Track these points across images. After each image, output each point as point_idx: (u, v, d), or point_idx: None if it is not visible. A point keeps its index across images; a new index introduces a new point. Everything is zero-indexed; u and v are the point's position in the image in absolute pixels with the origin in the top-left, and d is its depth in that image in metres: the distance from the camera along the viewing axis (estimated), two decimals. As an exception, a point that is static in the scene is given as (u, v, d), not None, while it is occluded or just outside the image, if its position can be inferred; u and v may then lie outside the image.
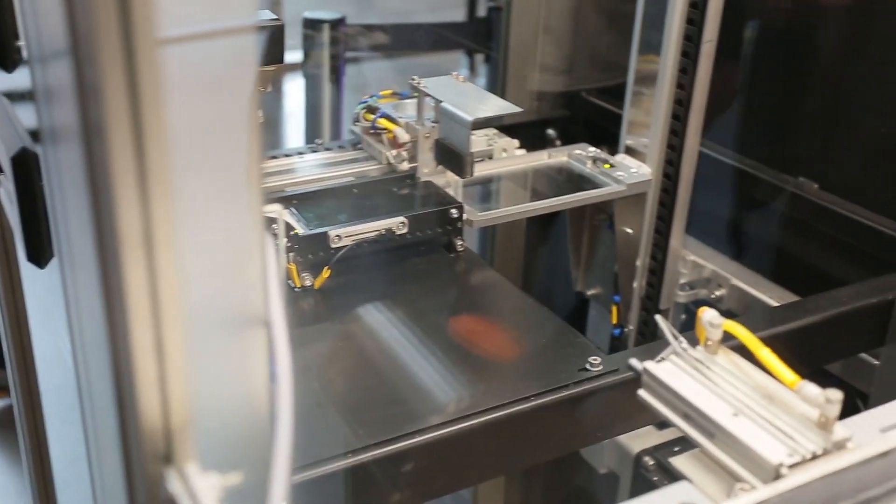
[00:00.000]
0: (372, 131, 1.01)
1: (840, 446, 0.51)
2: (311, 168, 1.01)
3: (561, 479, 1.31)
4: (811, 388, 0.53)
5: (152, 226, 0.37)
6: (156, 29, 0.35)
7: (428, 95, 0.96)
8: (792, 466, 0.50)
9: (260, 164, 0.43)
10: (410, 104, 1.01)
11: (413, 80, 0.98)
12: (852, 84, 1.03)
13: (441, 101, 0.94)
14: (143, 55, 0.35)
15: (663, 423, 0.77)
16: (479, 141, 1.06)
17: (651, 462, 0.98)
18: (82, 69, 0.36)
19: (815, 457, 0.51)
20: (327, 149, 1.06)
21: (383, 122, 0.99)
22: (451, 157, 0.94)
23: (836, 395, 0.51)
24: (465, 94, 0.96)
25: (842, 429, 0.52)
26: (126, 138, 0.36)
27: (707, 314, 0.59)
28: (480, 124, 0.99)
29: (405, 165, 0.99)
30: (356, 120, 1.03)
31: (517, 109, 0.95)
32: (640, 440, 1.07)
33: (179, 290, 0.39)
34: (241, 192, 0.42)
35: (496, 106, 0.95)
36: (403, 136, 0.98)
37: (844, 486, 0.49)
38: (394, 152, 0.98)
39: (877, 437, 0.55)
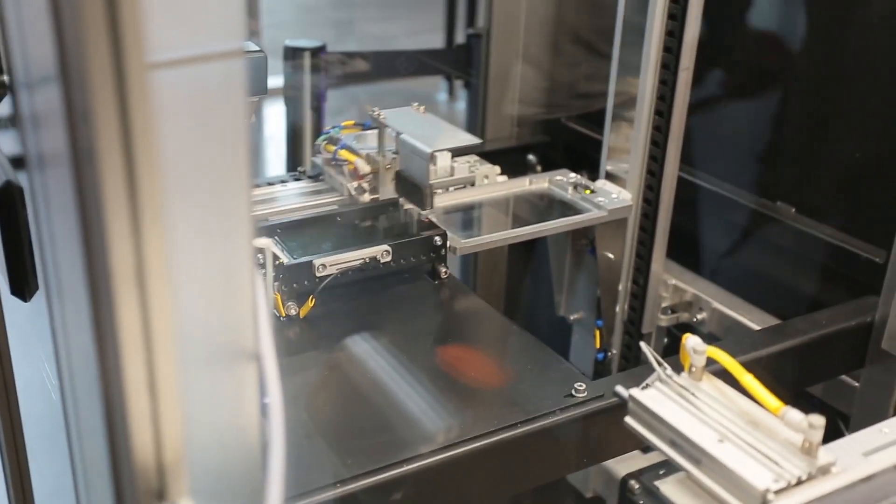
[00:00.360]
0: (333, 163, 0.99)
1: (825, 471, 0.52)
2: (294, 197, 1.01)
3: (547, 503, 1.31)
4: (794, 414, 0.53)
5: (145, 258, 0.37)
6: (146, 54, 0.36)
7: (387, 127, 0.95)
8: (778, 492, 0.51)
9: (250, 196, 0.43)
10: (372, 135, 1.00)
11: (373, 111, 0.97)
12: (828, 110, 1.05)
13: (400, 133, 0.94)
14: (133, 80, 0.35)
15: (648, 447, 0.78)
16: (461, 168, 1.07)
17: (637, 486, 0.99)
18: (72, 95, 0.36)
19: (800, 482, 0.51)
20: (310, 177, 1.06)
21: (344, 154, 0.98)
22: (412, 188, 0.93)
23: (819, 420, 0.52)
24: (424, 125, 0.96)
25: (826, 453, 0.53)
26: (117, 165, 0.36)
27: (690, 341, 0.59)
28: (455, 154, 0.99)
29: (366, 197, 0.97)
30: (317, 151, 1.01)
31: (476, 141, 0.95)
32: (625, 464, 1.08)
33: (172, 324, 0.39)
34: (231, 225, 0.42)
35: (455, 137, 0.94)
36: (364, 168, 0.96)
37: (830, 511, 0.50)
38: (355, 184, 0.97)
39: (860, 461, 0.56)
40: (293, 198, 1.01)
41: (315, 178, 1.04)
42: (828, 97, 1.05)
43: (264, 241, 0.48)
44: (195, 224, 0.41)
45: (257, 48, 0.84)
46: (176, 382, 0.39)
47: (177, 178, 0.39)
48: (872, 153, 1.00)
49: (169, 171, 0.38)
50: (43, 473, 1.02)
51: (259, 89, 0.82)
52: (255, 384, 0.45)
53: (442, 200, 1.02)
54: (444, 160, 1.07)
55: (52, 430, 0.59)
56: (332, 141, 1.00)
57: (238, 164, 0.41)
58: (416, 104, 1.02)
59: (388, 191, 0.98)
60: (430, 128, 0.96)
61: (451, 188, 1.06)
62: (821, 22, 1.06)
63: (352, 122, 1.04)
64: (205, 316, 0.42)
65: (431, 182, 0.93)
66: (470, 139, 0.95)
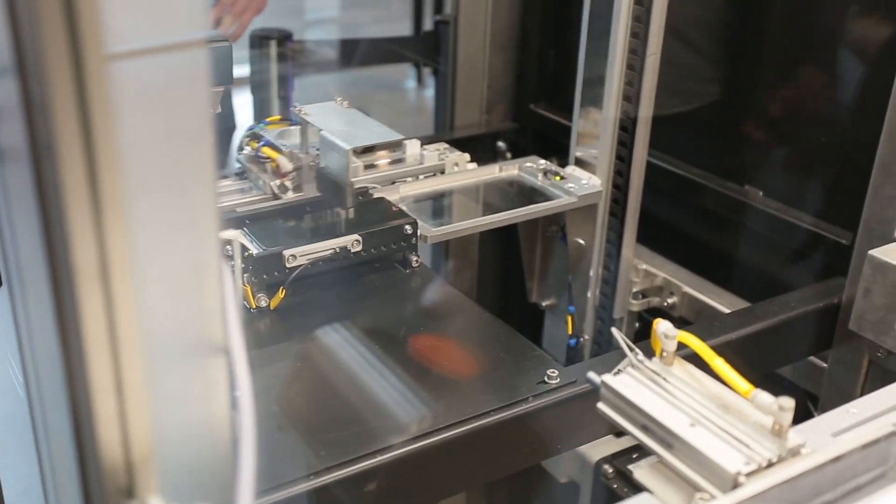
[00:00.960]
0: (257, 160, 0.97)
1: (794, 453, 0.53)
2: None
3: (522, 490, 1.32)
4: (764, 397, 0.54)
5: (108, 253, 0.37)
6: (105, 45, 0.35)
7: (309, 123, 0.93)
8: (749, 474, 0.51)
9: (216, 188, 0.42)
10: (298, 131, 0.98)
11: (295, 106, 0.95)
12: (795, 94, 1.06)
13: (321, 130, 0.92)
14: (92, 72, 0.35)
15: (621, 432, 0.78)
16: (431, 156, 1.06)
17: (610, 470, 1.00)
18: (29, 87, 0.35)
19: (770, 464, 0.52)
20: (236, 174, 1.02)
21: (266, 151, 0.95)
22: (333, 186, 0.91)
23: (789, 402, 0.52)
24: (348, 121, 0.94)
25: (795, 435, 0.53)
26: (77, 158, 0.35)
27: (661, 326, 0.59)
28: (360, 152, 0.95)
29: (290, 195, 0.95)
30: (240, 148, 0.98)
31: (399, 137, 0.93)
32: (598, 448, 1.08)
33: (138, 320, 0.39)
34: (197, 218, 0.42)
35: (377, 133, 0.93)
36: (286, 166, 0.94)
37: (801, 492, 0.50)
38: (277, 182, 0.94)
39: (829, 441, 0.57)
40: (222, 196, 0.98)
41: (241, 175, 1.00)
42: (795, 81, 1.06)
43: (232, 233, 0.48)
44: (159, 217, 0.40)
45: (222, 37, 0.83)
46: (143, 379, 0.39)
47: (139, 171, 0.39)
48: (838, 137, 1.00)
49: (131, 163, 0.38)
50: (14, 472, 1.01)
51: (224, 79, 0.81)
52: (225, 378, 0.44)
53: (412, 189, 1.02)
54: (413, 148, 1.06)
55: (21, 428, 0.58)
56: (256, 137, 0.97)
57: (202, 155, 0.41)
58: (339, 99, 0.99)
59: (311, 189, 0.95)
60: (352, 124, 0.94)
61: (420, 176, 1.05)
62: (790, 4, 1.06)
63: (277, 117, 1.01)
64: (172, 310, 0.41)
65: (353, 179, 0.91)
66: (392, 135, 0.93)
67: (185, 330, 0.42)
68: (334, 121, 0.94)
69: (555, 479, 1.13)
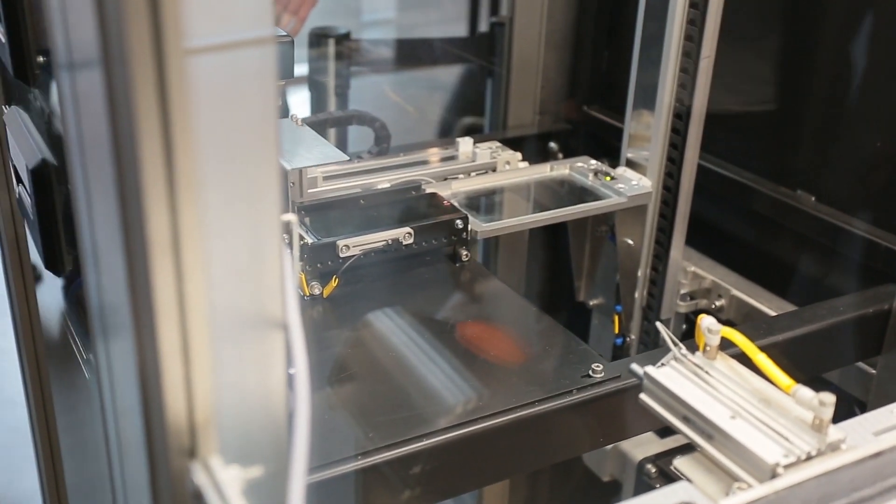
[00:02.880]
0: None
1: (834, 447, 0.53)
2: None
3: (565, 487, 1.33)
4: (805, 392, 0.55)
5: (180, 232, 0.39)
6: (184, 40, 0.37)
7: None
8: (787, 466, 0.52)
9: (279, 172, 0.45)
10: None
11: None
12: (849, 98, 1.05)
13: None
14: (172, 64, 0.37)
15: (665, 431, 0.79)
16: (483, 154, 1.08)
17: (653, 469, 1.00)
18: (113, 78, 0.38)
19: (809, 457, 0.53)
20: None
21: None
22: None
23: (830, 398, 0.53)
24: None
25: (836, 431, 0.54)
26: (156, 146, 0.38)
27: (706, 321, 0.61)
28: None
29: None
30: None
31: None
32: (642, 448, 1.09)
33: (204, 293, 0.41)
34: (261, 200, 0.44)
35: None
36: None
37: (838, 486, 0.51)
38: None
39: (870, 439, 0.57)
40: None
41: None
42: (849, 85, 1.05)
43: (289, 216, 0.50)
44: (227, 199, 0.43)
45: (284, 34, 0.86)
46: (208, 347, 0.41)
47: (210, 156, 0.41)
48: (892, 142, 1.00)
49: (203, 149, 0.40)
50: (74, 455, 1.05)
51: (286, 73, 0.84)
52: (282, 352, 0.47)
53: (463, 185, 1.04)
54: (465, 146, 1.09)
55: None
56: None
57: (268, 142, 0.43)
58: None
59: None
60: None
61: (472, 173, 1.08)
62: (842, 8, 1.06)
63: None
64: (235, 286, 0.44)
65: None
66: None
67: (246, 304, 0.45)
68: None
69: (598, 477, 1.14)
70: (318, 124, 1.03)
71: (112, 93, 0.39)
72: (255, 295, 0.45)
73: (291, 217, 0.51)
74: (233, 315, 0.44)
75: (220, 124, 0.41)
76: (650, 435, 1.09)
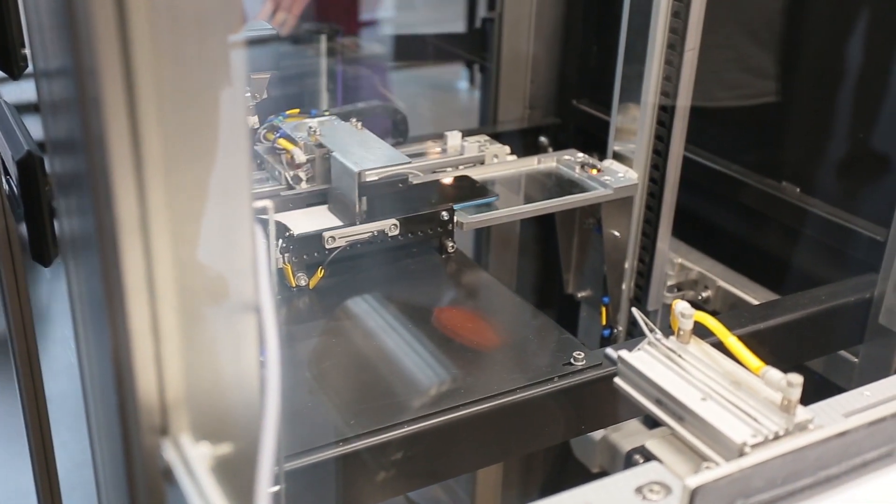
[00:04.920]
0: (274, 151, 0.99)
1: (802, 427, 0.54)
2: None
3: (554, 478, 1.34)
4: (774, 373, 0.55)
5: (148, 213, 0.40)
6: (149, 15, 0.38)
7: (322, 146, 0.96)
8: (755, 446, 0.53)
9: (249, 159, 0.46)
10: (312, 124, 0.99)
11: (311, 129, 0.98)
12: (833, 91, 1.06)
13: (332, 151, 0.95)
14: (139, 45, 0.38)
15: (654, 422, 0.80)
16: (471, 147, 1.09)
17: (641, 460, 1.01)
18: (79, 50, 0.39)
19: (777, 437, 0.53)
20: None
21: (282, 143, 0.97)
22: (342, 206, 0.94)
23: (797, 378, 0.54)
24: (359, 143, 0.96)
25: (803, 411, 0.55)
26: (123, 127, 0.39)
27: (679, 305, 0.61)
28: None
29: (303, 185, 0.97)
30: (258, 140, 1.01)
31: (406, 160, 0.94)
32: (630, 439, 1.10)
33: (174, 274, 0.42)
34: (232, 185, 0.45)
35: (384, 156, 0.94)
36: (300, 157, 0.96)
37: (804, 465, 0.52)
38: (291, 173, 0.97)
39: (839, 420, 0.58)
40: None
41: (258, 166, 1.02)
42: (833, 78, 1.06)
43: (266, 202, 0.51)
44: (197, 182, 0.44)
45: (269, 27, 0.87)
46: (178, 327, 0.42)
47: (179, 139, 0.42)
48: (875, 134, 1.01)
49: (172, 132, 0.41)
50: (67, 447, 1.06)
51: (271, 66, 0.85)
52: (255, 333, 0.48)
53: (451, 178, 1.05)
54: (454, 139, 1.10)
55: (75, 407, 0.62)
56: (273, 129, 1.00)
57: (237, 127, 0.44)
58: (353, 120, 1.02)
59: (325, 179, 0.97)
60: (363, 146, 0.96)
61: (460, 167, 1.08)
62: (827, 4, 1.07)
63: (296, 110, 1.03)
64: (206, 268, 0.45)
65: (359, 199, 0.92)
66: (400, 158, 0.94)
67: (217, 287, 0.45)
68: (345, 141, 0.97)
69: (586, 468, 1.15)
70: (343, 116, 1.05)
71: (79, 64, 0.40)
72: (227, 277, 0.46)
73: (267, 203, 0.52)
74: (204, 297, 0.45)
75: (189, 107, 0.42)
76: (639, 426, 1.10)
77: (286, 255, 0.87)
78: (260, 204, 0.52)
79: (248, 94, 0.90)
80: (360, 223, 0.92)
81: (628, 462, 1.10)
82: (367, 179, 0.92)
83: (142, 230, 0.41)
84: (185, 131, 0.42)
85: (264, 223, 0.51)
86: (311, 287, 0.89)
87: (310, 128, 0.97)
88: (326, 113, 1.04)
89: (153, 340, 0.42)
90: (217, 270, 0.45)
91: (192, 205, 0.43)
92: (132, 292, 0.41)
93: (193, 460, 0.41)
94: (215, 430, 0.45)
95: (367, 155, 0.94)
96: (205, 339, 0.45)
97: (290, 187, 0.97)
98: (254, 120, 0.89)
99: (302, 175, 0.97)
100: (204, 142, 0.42)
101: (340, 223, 0.91)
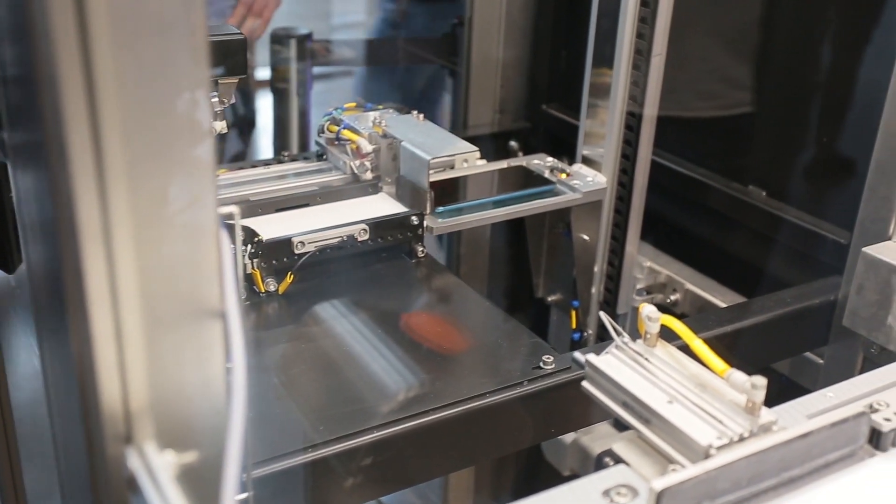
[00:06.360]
0: (336, 142, 1.04)
1: (766, 429, 0.55)
2: (277, 179, 1.04)
3: (526, 481, 1.34)
4: (739, 376, 0.56)
5: (110, 219, 0.40)
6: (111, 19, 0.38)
7: (390, 137, 1.02)
8: (720, 448, 0.53)
9: (215, 164, 0.46)
10: (370, 117, 1.06)
11: (376, 120, 1.04)
12: (798, 97, 1.08)
13: (402, 141, 1.00)
14: (98, 42, 0.38)
15: (623, 426, 0.80)
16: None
17: (612, 462, 1.02)
18: (38, 57, 0.39)
19: (742, 439, 0.54)
20: (293, 160, 1.09)
21: (347, 134, 1.03)
22: (412, 193, 0.98)
23: (761, 381, 0.54)
24: (425, 134, 1.03)
25: (767, 413, 0.55)
26: (84, 131, 0.38)
27: (646, 309, 0.62)
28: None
29: (368, 175, 1.02)
30: (321, 132, 1.07)
31: (473, 149, 1.02)
32: (601, 442, 1.11)
33: (138, 281, 0.42)
34: (196, 191, 0.45)
35: (452, 145, 1.02)
36: (366, 147, 1.01)
37: (768, 466, 0.52)
38: (357, 162, 1.02)
39: (802, 421, 0.59)
40: (277, 180, 1.04)
41: (320, 157, 1.09)
42: (798, 84, 1.07)
43: (231, 208, 0.51)
44: (160, 188, 0.43)
45: (237, 31, 0.87)
46: (141, 334, 0.42)
47: (142, 146, 0.42)
48: (838, 139, 1.02)
49: (135, 138, 0.41)
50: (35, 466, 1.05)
51: (238, 70, 0.85)
52: (221, 340, 0.47)
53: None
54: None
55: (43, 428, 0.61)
56: (335, 121, 1.05)
57: (201, 131, 0.44)
58: (415, 112, 1.09)
59: (388, 169, 1.03)
60: (428, 135, 1.03)
61: (430, 171, 1.08)
62: (792, 11, 1.08)
63: (353, 104, 1.09)
64: (171, 275, 0.44)
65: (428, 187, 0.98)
66: (467, 147, 1.02)
67: (182, 294, 0.45)
68: (411, 132, 1.03)
69: (558, 471, 1.15)
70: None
71: (38, 74, 0.39)
72: (192, 284, 0.46)
73: (233, 209, 0.51)
74: (169, 304, 0.45)
75: (152, 112, 0.42)
76: (609, 429, 1.11)
77: (255, 260, 0.87)
78: (226, 210, 0.51)
79: (217, 99, 0.90)
80: (419, 212, 0.96)
81: (598, 465, 1.11)
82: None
83: (104, 237, 0.40)
84: (148, 137, 0.41)
85: (231, 229, 0.51)
86: (280, 292, 0.88)
87: (374, 119, 1.03)
88: (380, 107, 1.10)
89: (116, 347, 0.42)
90: (182, 276, 0.45)
91: (155, 211, 0.43)
92: (94, 299, 0.41)
93: (158, 469, 0.40)
94: (181, 437, 0.44)
95: (434, 144, 1.00)
96: (170, 345, 0.45)
97: (355, 176, 1.02)
98: (222, 125, 0.89)
99: (368, 164, 1.02)
100: (168, 148, 0.42)
101: (309, 228, 0.90)
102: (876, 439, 0.57)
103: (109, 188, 0.40)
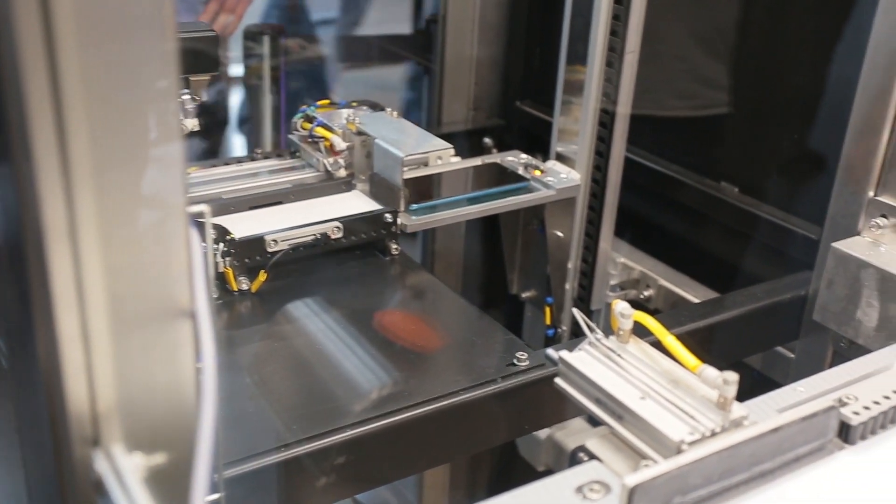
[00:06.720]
0: (309, 140, 1.04)
1: (737, 424, 0.55)
2: (250, 176, 1.04)
3: (501, 478, 1.34)
4: (710, 372, 0.56)
5: (76, 219, 0.39)
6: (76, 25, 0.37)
7: (364, 134, 1.01)
8: (692, 443, 0.53)
9: (184, 162, 0.45)
10: (344, 113, 1.05)
11: (350, 117, 1.03)
12: (769, 94, 1.08)
13: (375, 138, 0.99)
14: (63, 42, 0.37)
15: (597, 421, 0.81)
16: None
17: (586, 458, 1.03)
18: (2, 58, 0.38)
19: (713, 434, 0.54)
20: (266, 157, 1.08)
21: (320, 131, 1.02)
22: (386, 190, 0.98)
23: (733, 376, 0.55)
24: (398, 130, 1.02)
25: (739, 408, 0.56)
26: (49, 128, 0.38)
27: (619, 306, 0.62)
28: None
29: (342, 172, 1.01)
30: (294, 129, 1.06)
31: (447, 146, 1.01)
32: (575, 437, 1.11)
33: (105, 281, 0.41)
34: (165, 189, 0.44)
35: (427, 143, 1.01)
36: (340, 144, 1.01)
37: (739, 461, 0.52)
38: (331, 159, 1.01)
39: (772, 415, 0.59)
40: (250, 177, 1.03)
41: (293, 154, 1.08)
42: (769, 81, 1.08)
43: (202, 207, 0.50)
44: (130, 189, 0.43)
45: (208, 27, 0.86)
46: (109, 334, 0.41)
47: (109, 145, 0.41)
48: (808, 135, 1.03)
49: (101, 137, 0.40)
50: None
51: (209, 67, 0.84)
52: (191, 340, 0.47)
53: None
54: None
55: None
56: (308, 118, 1.04)
57: (170, 129, 0.43)
58: (389, 109, 1.09)
59: (362, 166, 1.02)
60: (402, 132, 1.02)
61: (404, 169, 1.08)
62: (762, 9, 1.09)
63: (327, 101, 1.09)
64: (139, 275, 0.44)
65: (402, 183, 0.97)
66: (441, 144, 1.01)
67: (151, 294, 0.45)
68: (385, 129, 1.02)
69: (532, 467, 1.15)
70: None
71: (3, 73, 0.38)
72: (161, 284, 0.45)
73: (204, 207, 0.51)
74: (137, 304, 0.44)
75: (119, 111, 0.41)
76: (584, 424, 1.11)
77: (227, 258, 0.86)
78: (196, 208, 0.51)
79: (188, 96, 0.89)
80: (393, 210, 0.95)
81: (573, 460, 1.11)
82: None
83: (70, 236, 0.40)
84: (115, 136, 0.41)
85: (201, 227, 0.51)
86: (253, 291, 0.88)
87: (347, 116, 1.03)
88: (354, 104, 1.09)
89: (83, 348, 0.41)
90: (151, 276, 0.45)
91: (123, 210, 0.42)
92: (60, 300, 0.40)
93: (126, 471, 0.40)
94: (150, 439, 0.44)
95: (408, 141, 0.99)
96: (138, 346, 0.44)
97: (329, 174, 1.01)
98: (193, 122, 0.88)
99: (341, 161, 1.01)
100: (135, 147, 0.42)
101: (282, 226, 0.90)
102: (845, 433, 0.57)
103: (76, 188, 0.39)
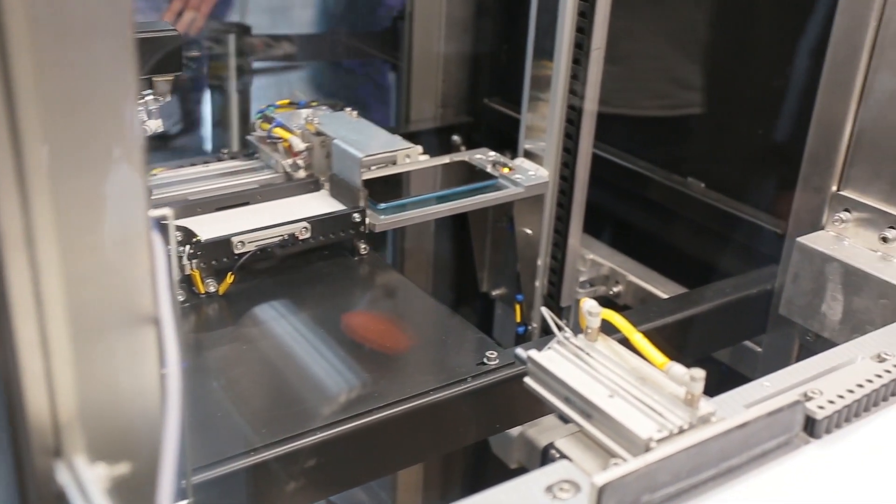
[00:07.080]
0: (268, 141, 1.03)
1: (705, 420, 0.56)
2: (216, 177, 1.03)
3: (474, 475, 1.34)
4: (678, 368, 0.57)
5: (33, 226, 0.39)
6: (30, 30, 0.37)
7: (323, 135, 1.00)
8: (660, 440, 0.54)
9: (144, 166, 0.44)
10: (305, 114, 1.04)
11: (309, 118, 1.02)
12: (735, 89, 1.09)
13: (334, 139, 0.98)
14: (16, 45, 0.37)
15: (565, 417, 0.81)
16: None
17: (557, 455, 1.03)
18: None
19: (681, 431, 0.55)
20: (233, 157, 1.07)
21: (279, 132, 1.01)
22: (345, 191, 0.97)
23: (700, 373, 0.55)
24: (357, 130, 1.02)
25: (706, 404, 0.56)
26: (2, 135, 0.37)
27: (587, 304, 0.62)
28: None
29: (301, 173, 1.00)
30: (253, 129, 1.05)
31: (408, 145, 1.01)
32: (547, 434, 1.11)
33: (64, 288, 0.41)
34: (126, 194, 0.44)
35: (385, 142, 1.01)
36: (299, 145, 0.99)
37: (708, 457, 0.53)
38: (290, 161, 1.00)
39: (740, 411, 0.60)
40: (214, 178, 1.02)
41: (250, 156, 1.07)
42: (734, 77, 1.09)
43: (165, 211, 0.49)
44: (89, 193, 0.42)
45: (171, 27, 0.85)
46: (69, 343, 0.41)
47: (66, 148, 0.40)
48: (773, 131, 1.04)
49: (58, 139, 0.40)
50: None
51: (173, 67, 0.83)
52: (155, 348, 0.46)
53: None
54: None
55: None
56: (267, 119, 1.03)
57: (129, 132, 0.43)
58: (349, 109, 1.08)
59: (322, 167, 1.01)
60: (361, 133, 1.02)
61: (372, 167, 1.08)
62: (728, 6, 1.10)
63: (286, 101, 1.08)
64: (100, 280, 0.43)
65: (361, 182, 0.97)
66: (401, 143, 1.01)
67: (113, 301, 0.44)
68: (344, 129, 1.01)
69: (505, 464, 1.15)
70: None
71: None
72: (123, 289, 0.45)
73: (167, 212, 0.50)
74: (98, 310, 0.43)
75: (77, 114, 0.40)
76: (555, 421, 1.11)
77: (194, 261, 0.85)
78: (159, 212, 0.50)
79: (152, 97, 0.88)
80: (361, 209, 0.94)
81: (545, 457, 1.12)
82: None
83: (26, 243, 0.39)
84: (72, 139, 0.40)
85: (165, 230, 0.50)
86: (220, 293, 0.87)
87: (306, 117, 1.01)
88: (314, 103, 1.08)
89: (42, 357, 0.40)
90: (113, 282, 0.44)
91: (83, 216, 0.41)
92: (17, 307, 0.39)
93: (88, 483, 0.39)
94: (113, 449, 0.43)
95: (367, 141, 0.99)
96: (100, 353, 0.43)
97: (288, 175, 1.00)
98: (157, 123, 0.87)
99: (300, 162, 1.00)
100: (94, 150, 0.41)
101: (249, 227, 0.89)
102: (811, 427, 0.58)
103: (31, 193, 0.39)
